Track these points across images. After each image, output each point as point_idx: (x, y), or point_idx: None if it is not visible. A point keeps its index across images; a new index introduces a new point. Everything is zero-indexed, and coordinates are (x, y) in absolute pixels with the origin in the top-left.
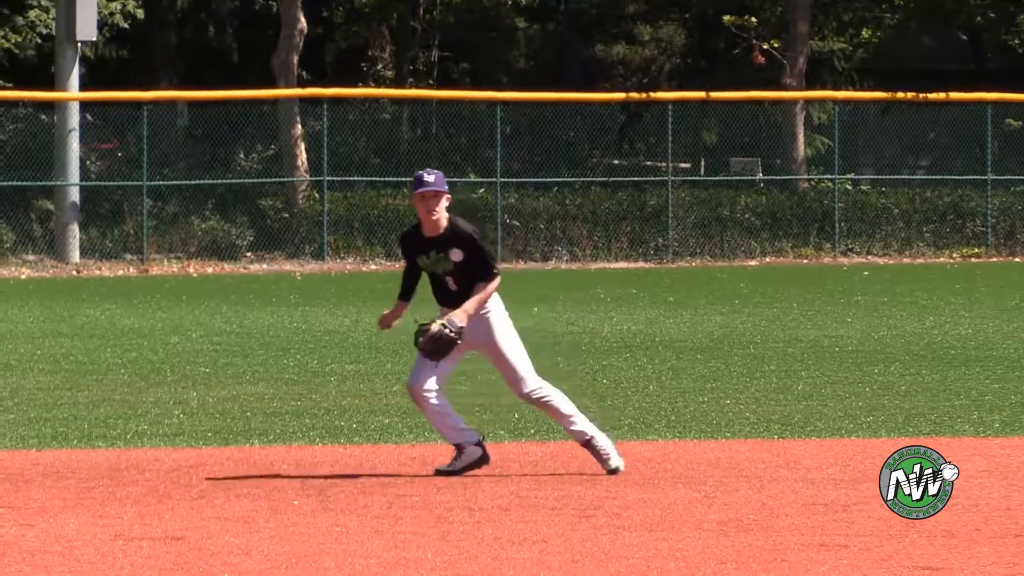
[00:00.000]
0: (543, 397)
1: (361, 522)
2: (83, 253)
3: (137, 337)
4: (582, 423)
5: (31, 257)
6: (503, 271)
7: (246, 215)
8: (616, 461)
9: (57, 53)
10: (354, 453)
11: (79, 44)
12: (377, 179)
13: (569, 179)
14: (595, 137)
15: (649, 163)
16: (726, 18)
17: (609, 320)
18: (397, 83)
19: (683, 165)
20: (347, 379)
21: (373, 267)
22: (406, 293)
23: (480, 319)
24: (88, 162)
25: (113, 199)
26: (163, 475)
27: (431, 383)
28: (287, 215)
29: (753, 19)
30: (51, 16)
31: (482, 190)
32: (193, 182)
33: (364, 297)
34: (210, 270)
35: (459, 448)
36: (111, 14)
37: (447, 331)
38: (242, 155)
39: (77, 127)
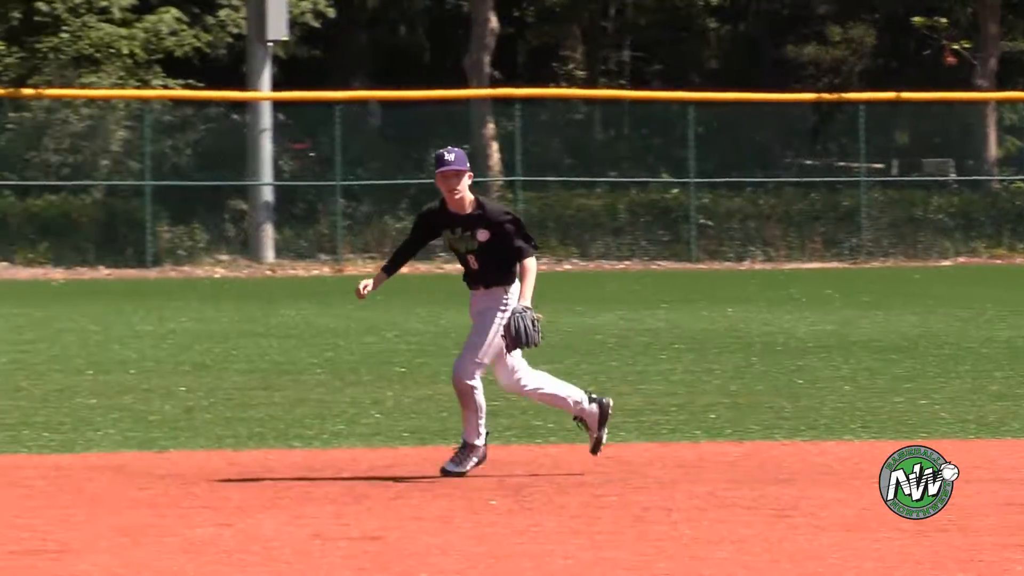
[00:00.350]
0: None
1: (559, 522)
2: (277, 253)
3: (332, 337)
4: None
5: (225, 257)
6: (692, 271)
7: None
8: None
9: (248, 53)
10: (550, 453)
11: (270, 44)
12: (570, 179)
13: (762, 179)
14: (787, 137)
15: (841, 164)
16: (915, 19)
17: (804, 320)
18: (589, 83)
19: (876, 165)
20: None
21: (567, 267)
22: (393, 266)
23: (489, 295)
24: (281, 162)
25: (307, 199)
26: (361, 475)
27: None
28: None
29: (943, 20)
30: (241, 15)
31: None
32: (386, 182)
33: (559, 298)
34: (404, 270)
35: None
36: (301, 13)
37: (529, 321)
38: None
39: (270, 127)
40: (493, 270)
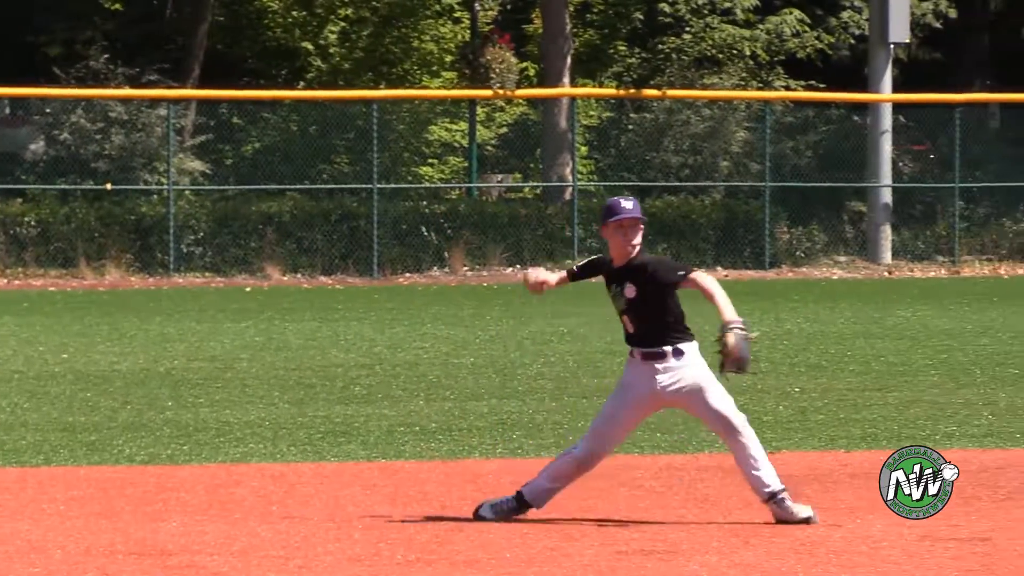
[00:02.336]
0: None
1: None
2: (895, 254)
3: (947, 339)
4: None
5: (843, 258)
6: None
7: None
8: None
9: (870, 54)
10: None
11: (891, 46)
12: None
13: None
14: None
15: None
16: None
17: None
18: None
19: None
20: None
21: None
22: (578, 276)
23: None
24: (900, 164)
25: (925, 201)
26: (971, 476)
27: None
28: None
29: None
30: (864, 17)
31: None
32: (1006, 184)
33: None
34: (1021, 271)
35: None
36: (923, 15)
37: (743, 334)
38: None
39: (890, 129)
40: (652, 328)
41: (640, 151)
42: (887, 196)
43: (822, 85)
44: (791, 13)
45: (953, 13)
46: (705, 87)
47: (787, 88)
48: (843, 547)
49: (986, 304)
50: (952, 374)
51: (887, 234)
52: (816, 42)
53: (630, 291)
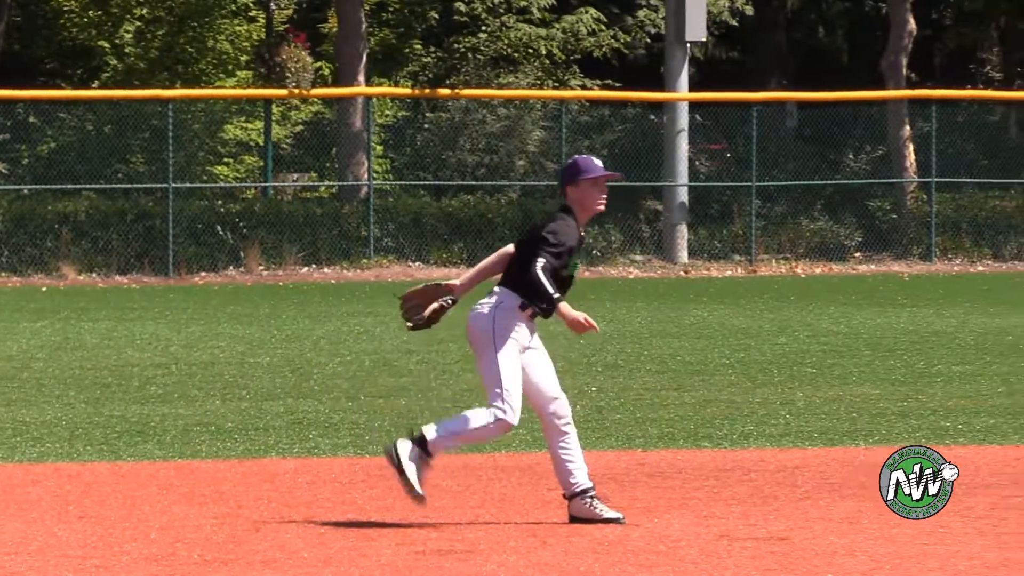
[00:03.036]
0: None
1: (964, 523)
2: (691, 253)
3: (744, 337)
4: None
5: (639, 257)
6: None
7: (854, 215)
8: None
9: (666, 53)
10: (957, 454)
11: (688, 44)
12: (985, 180)
13: None
14: None
15: None
16: None
17: None
18: (1005, 85)
19: None
20: (953, 380)
21: (981, 268)
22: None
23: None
24: (697, 163)
25: (721, 200)
26: (768, 476)
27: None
28: (895, 216)
29: None
30: (660, 16)
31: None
32: (802, 183)
33: (972, 298)
34: (818, 270)
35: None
36: (720, 12)
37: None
38: (850, 156)
39: (686, 128)
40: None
41: (436, 150)
42: (683, 195)
43: (618, 84)
44: (587, 12)
45: (750, 11)
46: (501, 86)
47: (583, 87)
48: (641, 546)
49: (783, 303)
50: (749, 373)
51: (683, 233)
52: (612, 41)
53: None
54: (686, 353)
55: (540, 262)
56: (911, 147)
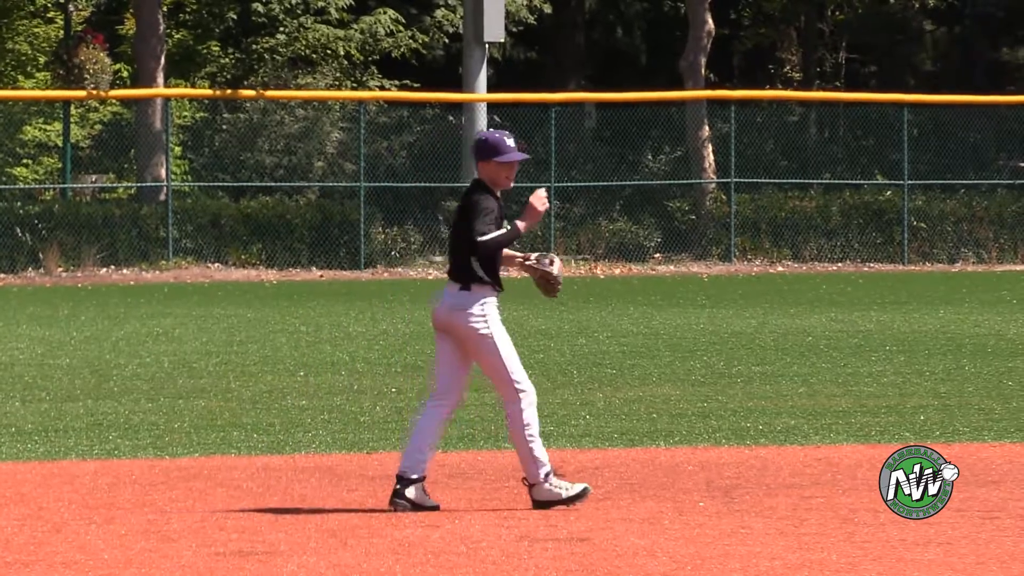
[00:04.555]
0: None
1: (766, 524)
2: None
3: (544, 339)
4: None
5: (438, 258)
6: (904, 272)
7: (653, 216)
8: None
9: (465, 54)
10: (759, 454)
11: (487, 45)
12: (784, 181)
13: (976, 181)
14: (1002, 140)
15: None
16: None
17: (1015, 322)
18: (804, 85)
19: None
20: (753, 380)
21: (780, 268)
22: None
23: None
24: None
25: (521, 201)
26: (569, 477)
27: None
28: (694, 217)
29: None
30: (458, 16)
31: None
32: (601, 184)
33: (771, 299)
34: (617, 271)
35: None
36: (518, 11)
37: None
38: (649, 156)
39: (485, 128)
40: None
41: (234, 151)
42: None
43: (417, 85)
44: (385, 13)
45: (548, 8)
46: (299, 87)
47: (381, 88)
48: (442, 547)
49: (582, 304)
50: (549, 374)
51: None
52: (410, 42)
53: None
54: None
55: (477, 229)
56: (710, 147)
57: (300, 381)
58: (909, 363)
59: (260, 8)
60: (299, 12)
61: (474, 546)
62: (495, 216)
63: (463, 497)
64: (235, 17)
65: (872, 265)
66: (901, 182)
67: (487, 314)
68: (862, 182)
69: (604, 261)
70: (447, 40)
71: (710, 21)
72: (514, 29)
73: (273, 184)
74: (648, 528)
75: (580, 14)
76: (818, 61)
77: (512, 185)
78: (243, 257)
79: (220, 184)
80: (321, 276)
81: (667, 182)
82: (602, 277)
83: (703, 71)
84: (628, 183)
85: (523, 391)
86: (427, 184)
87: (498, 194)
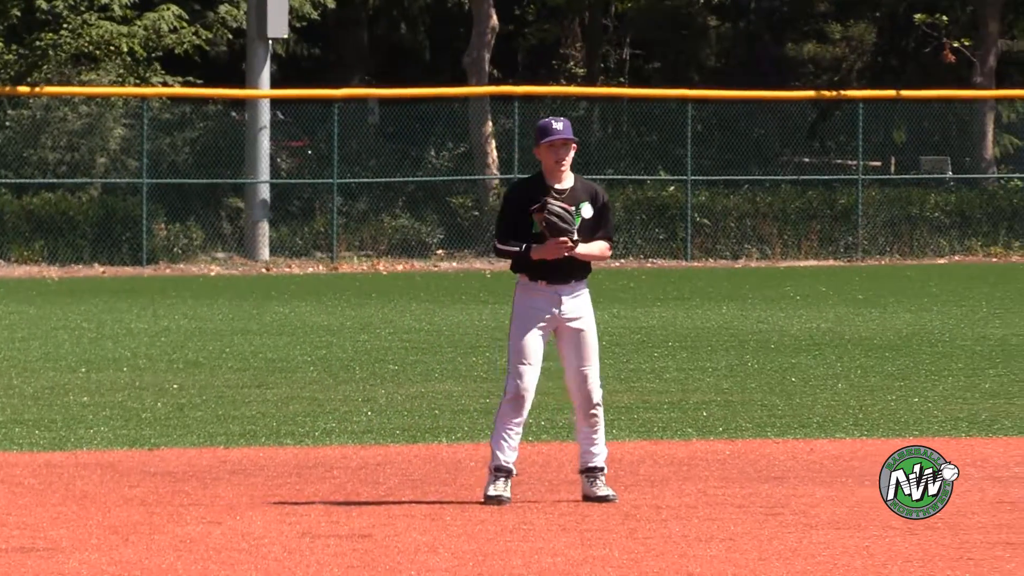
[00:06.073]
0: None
1: (548, 520)
2: (273, 251)
3: (327, 335)
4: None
5: (221, 255)
6: (687, 268)
7: (436, 213)
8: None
9: (248, 50)
10: (541, 450)
11: (270, 41)
12: None
13: (759, 177)
14: (786, 135)
15: (839, 161)
16: (917, 16)
17: (798, 318)
18: (588, 81)
19: (873, 164)
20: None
21: None
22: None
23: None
24: (279, 160)
25: (303, 197)
26: (351, 473)
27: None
28: (477, 213)
29: (944, 17)
30: (242, 12)
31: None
32: (384, 180)
33: None
34: (400, 268)
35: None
36: (301, 6)
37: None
38: (433, 153)
39: (268, 125)
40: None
41: (17, 148)
42: (265, 193)
43: (200, 81)
44: (168, 9)
45: (332, 4)
46: (83, 84)
47: (165, 84)
48: (223, 544)
49: (365, 300)
50: (331, 370)
51: (265, 231)
52: (194, 38)
53: (587, 211)
54: (268, 350)
55: (496, 230)
56: (493, 143)
57: (82, 377)
58: (692, 359)
59: (44, 4)
60: (83, 8)
61: (256, 543)
62: (506, 222)
63: (245, 493)
64: (19, 13)
65: (655, 261)
66: (684, 178)
67: (521, 301)
68: (645, 178)
69: (387, 257)
70: (231, 36)
71: (494, 17)
72: (298, 25)
73: (56, 181)
74: (430, 524)
75: (364, 10)
76: (602, 57)
77: (563, 169)
78: (25, 254)
79: (2, 181)
80: (103, 273)
81: (450, 178)
82: (385, 273)
83: (487, 67)
84: (411, 179)
85: (505, 387)
86: (210, 180)
87: (544, 179)
